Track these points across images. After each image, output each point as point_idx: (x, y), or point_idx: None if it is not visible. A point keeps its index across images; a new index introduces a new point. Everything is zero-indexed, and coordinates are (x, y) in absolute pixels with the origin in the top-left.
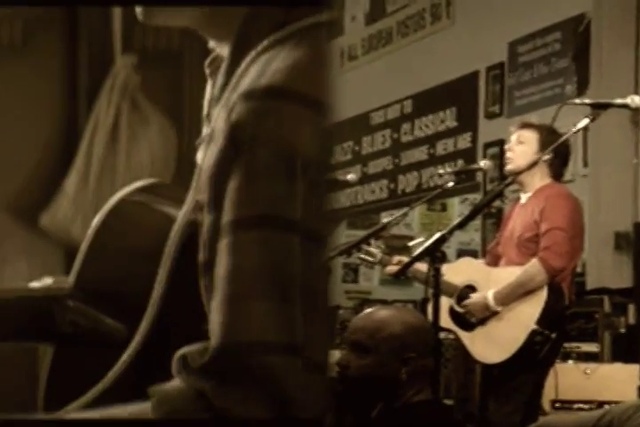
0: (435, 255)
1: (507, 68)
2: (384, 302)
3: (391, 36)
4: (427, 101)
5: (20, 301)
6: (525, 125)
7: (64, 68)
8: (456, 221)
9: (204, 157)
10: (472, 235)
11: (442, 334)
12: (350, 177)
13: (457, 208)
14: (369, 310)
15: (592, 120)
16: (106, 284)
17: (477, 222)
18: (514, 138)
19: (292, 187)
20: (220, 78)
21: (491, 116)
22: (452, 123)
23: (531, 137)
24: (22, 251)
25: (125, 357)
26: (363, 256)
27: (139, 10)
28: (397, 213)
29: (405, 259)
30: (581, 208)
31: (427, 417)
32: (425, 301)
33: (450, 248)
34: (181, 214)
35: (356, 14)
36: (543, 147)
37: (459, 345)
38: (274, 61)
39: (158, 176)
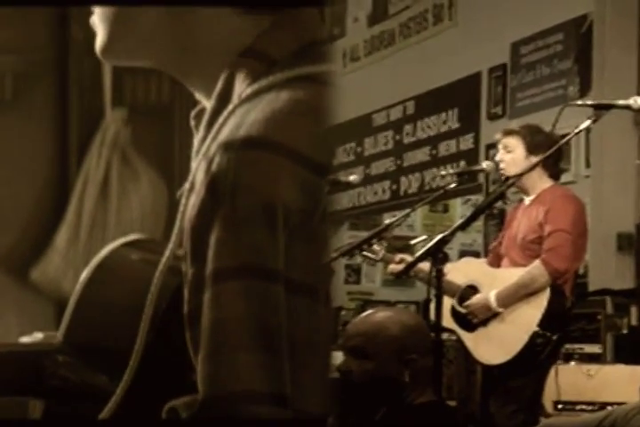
0: (437, 256)
1: (509, 69)
2: (387, 303)
3: (393, 37)
4: (429, 103)
5: (10, 356)
6: (507, 133)
7: (54, 123)
8: (458, 222)
9: (185, 208)
10: (474, 236)
11: (444, 335)
12: (353, 178)
13: (459, 209)
14: (363, 314)
15: (594, 121)
16: (94, 338)
17: (479, 223)
18: (500, 147)
19: (273, 236)
20: (202, 131)
21: (493, 117)
22: (454, 124)
23: (515, 144)
24: (12, 305)
25: (106, 409)
26: (365, 253)
27: (98, 47)
28: (400, 214)
29: (407, 257)
30: (585, 210)
31: (432, 419)
32: (427, 301)
33: (452, 249)
34: (161, 264)
35: (358, 15)
36: (531, 149)
37: (460, 346)
38: (252, 112)
39: (149, 230)
